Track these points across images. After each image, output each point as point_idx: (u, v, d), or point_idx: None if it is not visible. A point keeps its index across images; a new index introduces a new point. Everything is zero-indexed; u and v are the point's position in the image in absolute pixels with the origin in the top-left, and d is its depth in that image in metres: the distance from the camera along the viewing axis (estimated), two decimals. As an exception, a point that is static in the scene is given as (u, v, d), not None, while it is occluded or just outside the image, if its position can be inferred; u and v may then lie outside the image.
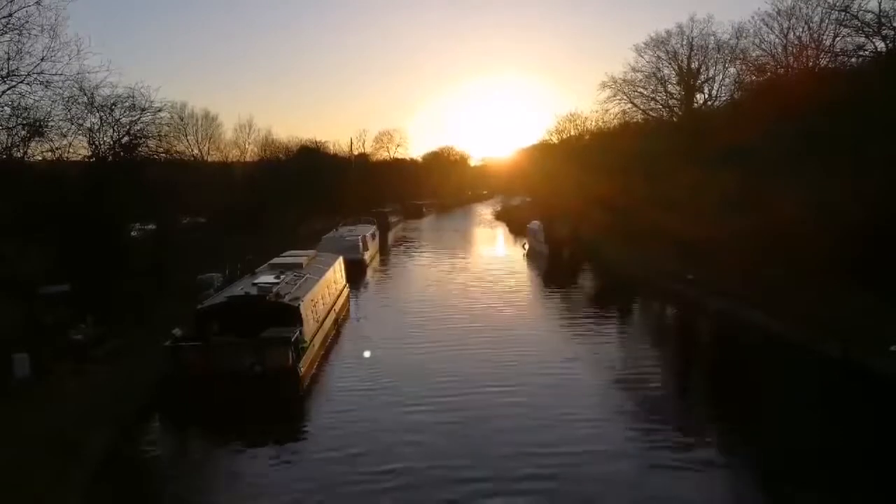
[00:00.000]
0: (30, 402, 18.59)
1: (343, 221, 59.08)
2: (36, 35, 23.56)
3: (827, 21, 36.25)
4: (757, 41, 42.26)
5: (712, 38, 48.28)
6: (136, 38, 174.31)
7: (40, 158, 27.47)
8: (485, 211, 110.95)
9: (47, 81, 24.36)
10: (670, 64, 50.78)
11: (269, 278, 26.51)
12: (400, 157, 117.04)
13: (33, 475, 14.24)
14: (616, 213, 47.32)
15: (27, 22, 23.16)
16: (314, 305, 25.90)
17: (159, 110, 31.82)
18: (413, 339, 27.82)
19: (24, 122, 25.02)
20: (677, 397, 21.72)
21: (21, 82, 24.05)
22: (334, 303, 31.17)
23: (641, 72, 51.86)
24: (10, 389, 19.33)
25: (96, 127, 30.15)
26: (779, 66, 40.13)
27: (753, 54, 42.90)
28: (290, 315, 22.91)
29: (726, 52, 47.26)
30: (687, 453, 16.22)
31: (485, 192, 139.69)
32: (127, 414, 18.56)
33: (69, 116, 28.22)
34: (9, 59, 23.46)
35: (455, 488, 14.49)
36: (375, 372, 23.67)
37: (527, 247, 57.96)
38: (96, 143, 30.35)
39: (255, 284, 25.28)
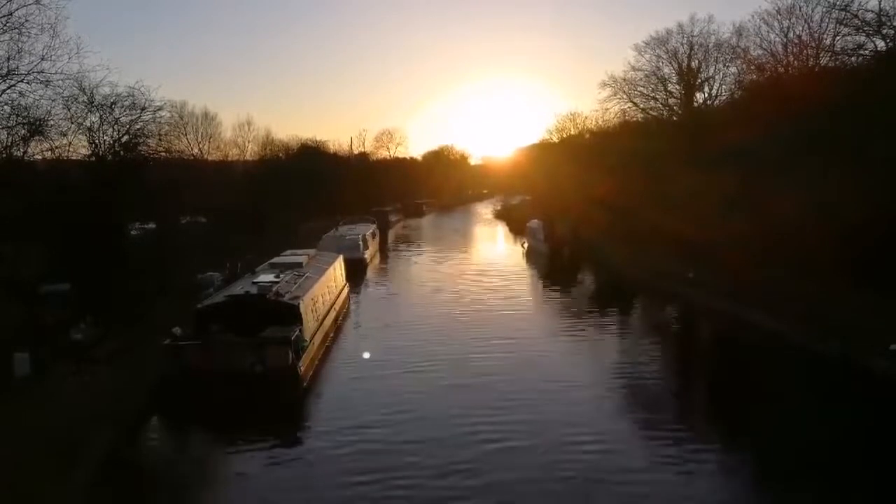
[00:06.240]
0: (30, 401, 18.61)
1: (343, 220, 59.09)
2: (36, 34, 23.46)
3: (827, 20, 36.24)
4: (757, 40, 42.26)
5: (713, 37, 48.30)
6: (136, 37, 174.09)
7: (40, 158, 27.43)
8: (485, 210, 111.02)
9: (47, 80, 24.27)
10: (670, 63, 50.77)
11: (269, 277, 26.52)
12: (400, 156, 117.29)
13: (33, 475, 14.25)
14: (616, 212, 47.28)
15: (27, 21, 23.07)
16: (314, 304, 25.90)
17: (159, 109, 31.78)
18: (413, 340, 27.80)
19: (24, 121, 24.94)
20: (676, 396, 21.77)
21: (21, 81, 23.99)
22: (334, 301, 31.18)
23: (641, 71, 51.85)
24: (10, 388, 19.35)
25: (96, 126, 30.14)
26: (779, 65, 40.12)
27: (754, 53, 42.92)
28: (290, 314, 22.92)
29: (726, 50, 47.27)
30: (686, 452, 16.22)
31: (485, 191, 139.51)
32: (127, 413, 18.57)
33: (69, 115, 28.16)
34: (9, 58, 23.39)
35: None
36: (375, 371, 23.70)
37: (526, 246, 57.99)
38: (96, 142, 30.34)
39: (255, 283, 25.28)
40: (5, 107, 24.35)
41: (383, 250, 61.61)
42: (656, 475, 15.12)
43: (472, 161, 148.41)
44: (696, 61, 49.56)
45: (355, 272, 41.81)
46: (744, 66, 44.61)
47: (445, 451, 16.39)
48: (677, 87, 51.26)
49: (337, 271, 34.46)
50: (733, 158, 32.90)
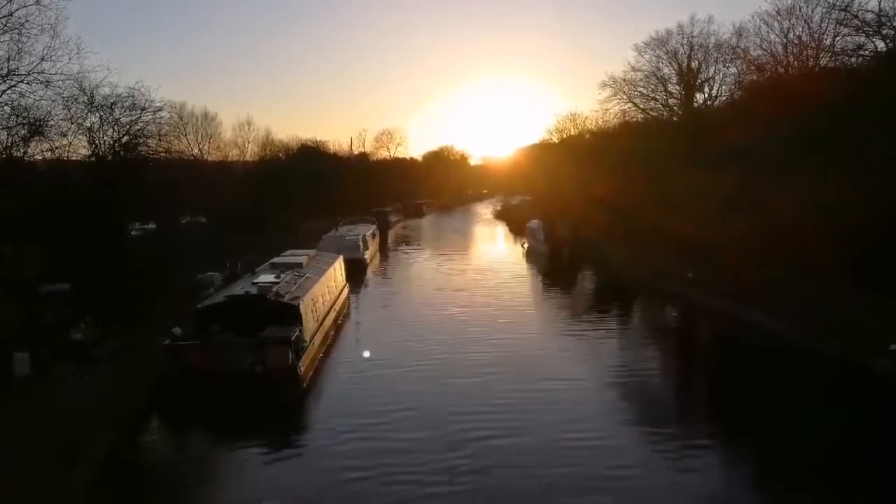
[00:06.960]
0: (30, 401, 18.60)
1: (343, 220, 59.07)
2: (36, 34, 23.47)
3: (827, 20, 36.25)
4: (757, 40, 42.26)
5: (712, 37, 48.29)
6: (136, 37, 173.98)
7: (40, 158, 27.45)
8: (485, 210, 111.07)
9: (47, 81, 24.28)
10: (670, 63, 50.74)
11: (269, 277, 26.52)
12: (400, 156, 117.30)
13: (33, 475, 14.24)
14: (616, 212, 47.29)
15: (27, 21, 23.08)
16: (314, 304, 25.91)
17: (159, 109, 31.83)
18: (413, 340, 27.75)
19: (24, 121, 24.94)
20: (675, 395, 21.78)
21: (21, 82, 23.99)
22: (334, 302, 31.19)
23: (641, 71, 51.82)
24: (10, 388, 19.34)
25: (96, 126, 30.19)
26: (779, 66, 40.12)
27: (754, 53, 42.92)
28: (290, 314, 22.93)
29: (726, 51, 47.27)
30: (685, 451, 16.26)
31: (485, 191, 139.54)
32: (127, 413, 18.57)
33: (69, 116, 28.16)
34: (9, 58, 23.40)
35: None
36: (375, 370, 23.72)
37: (526, 246, 58.02)
38: (96, 142, 30.38)
39: (255, 283, 25.28)
40: (5, 107, 24.38)
41: (383, 251, 61.62)
42: (655, 473, 15.14)
43: (472, 161, 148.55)
44: (696, 62, 49.58)
45: (355, 272, 41.81)
46: (744, 66, 44.67)
47: (444, 447, 16.41)
48: (677, 87, 51.25)
49: (337, 271, 34.47)
50: (733, 158, 32.91)
